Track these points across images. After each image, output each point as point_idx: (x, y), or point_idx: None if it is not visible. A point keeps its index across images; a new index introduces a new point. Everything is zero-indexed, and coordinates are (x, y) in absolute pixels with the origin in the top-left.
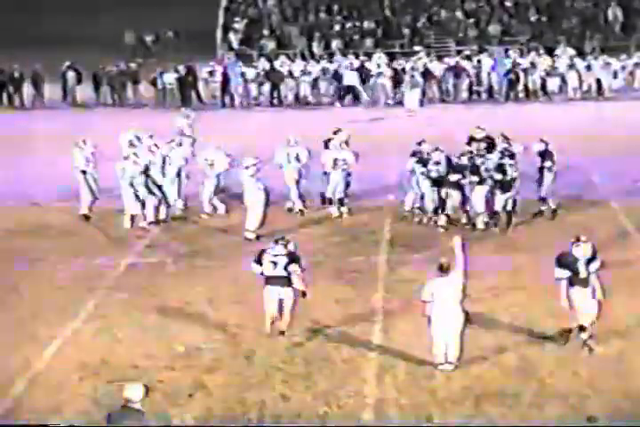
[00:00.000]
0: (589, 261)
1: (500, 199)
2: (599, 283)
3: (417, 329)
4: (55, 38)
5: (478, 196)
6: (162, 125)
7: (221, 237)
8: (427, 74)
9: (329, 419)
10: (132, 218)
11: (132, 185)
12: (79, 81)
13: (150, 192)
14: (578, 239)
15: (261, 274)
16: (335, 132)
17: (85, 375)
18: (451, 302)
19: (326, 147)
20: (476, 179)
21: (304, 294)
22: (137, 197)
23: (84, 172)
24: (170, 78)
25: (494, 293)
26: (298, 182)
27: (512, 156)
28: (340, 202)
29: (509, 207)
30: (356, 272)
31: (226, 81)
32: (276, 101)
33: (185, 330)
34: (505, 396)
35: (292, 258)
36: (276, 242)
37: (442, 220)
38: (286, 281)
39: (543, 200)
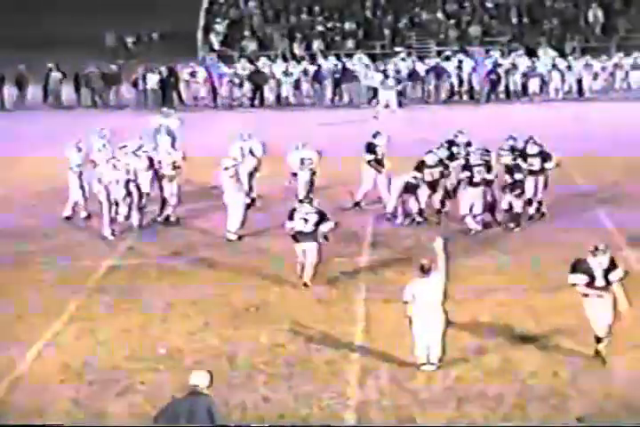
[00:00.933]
0: (609, 270)
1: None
2: (623, 293)
3: (399, 330)
4: (38, 39)
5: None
6: (143, 126)
7: (204, 238)
8: (411, 74)
9: (311, 421)
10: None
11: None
12: (62, 82)
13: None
14: (596, 248)
15: (293, 230)
16: (375, 135)
17: (68, 377)
18: (432, 303)
19: (369, 151)
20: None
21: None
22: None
23: (80, 173)
24: (152, 80)
25: (476, 294)
26: (252, 176)
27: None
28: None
29: (518, 209)
30: (338, 273)
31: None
32: (257, 102)
33: (168, 331)
34: (487, 397)
35: (322, 215)
36: (301, 202)
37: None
38: (313, 237)
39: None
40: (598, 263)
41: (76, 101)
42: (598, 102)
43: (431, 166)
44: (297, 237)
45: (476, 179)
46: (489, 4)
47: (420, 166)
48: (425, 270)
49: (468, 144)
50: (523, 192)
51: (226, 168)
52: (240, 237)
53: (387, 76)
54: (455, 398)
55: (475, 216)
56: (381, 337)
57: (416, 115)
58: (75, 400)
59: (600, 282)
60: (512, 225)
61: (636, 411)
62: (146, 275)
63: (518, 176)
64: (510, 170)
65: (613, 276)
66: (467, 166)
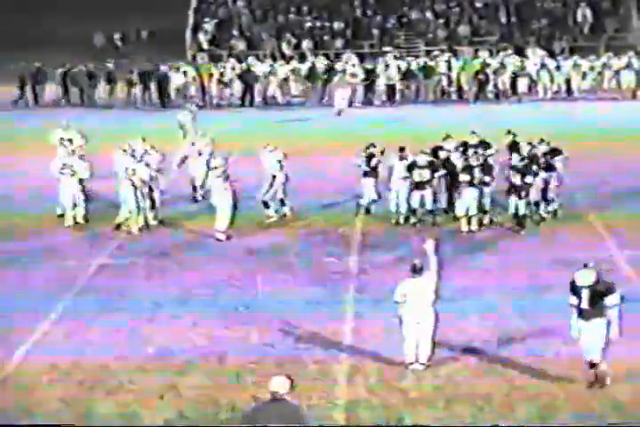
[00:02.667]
0: (602, 294)
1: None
2: (616, 320)
3: (388, 330)
4: (26, 39)
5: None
6: (133, 125)
7: (193, 238)
8: (405, 74)
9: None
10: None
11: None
12: (44, 81)
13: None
14: (585, 265)
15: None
16: (445, 138)
17: (56, 377)
18: (422, 303)
19: (435, 155)
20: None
21: None
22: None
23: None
24: (177, 78)
25: (465, 293)
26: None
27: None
28: (282, 202)
29: (522, 211)
30: (328, 273)
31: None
32: (247, 102)
33: (156, 331)
34: (476, 396)
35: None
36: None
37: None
38: None
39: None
40: (581, 281)
41: (63, 100)
42: (586, 102)
43: (421, 167)
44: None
45: (475, 180)
46: (478, 4)
47: (411, 166)
48: (416, 270)
49: (476, 146)
50: (527, 195)
51: (214, 168)
52: (229, 237)
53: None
54: (444, 397)
55: (470, 217)
56: (370, 337)
57: (407, 114)
58: (63, 400)
59: (585, 304)
60: (517, 228)
61: (623, 410)
62: (134, 275)
63: (529, 179)
64: (522, 173)
65: (608, 301)
66: (467, 167)
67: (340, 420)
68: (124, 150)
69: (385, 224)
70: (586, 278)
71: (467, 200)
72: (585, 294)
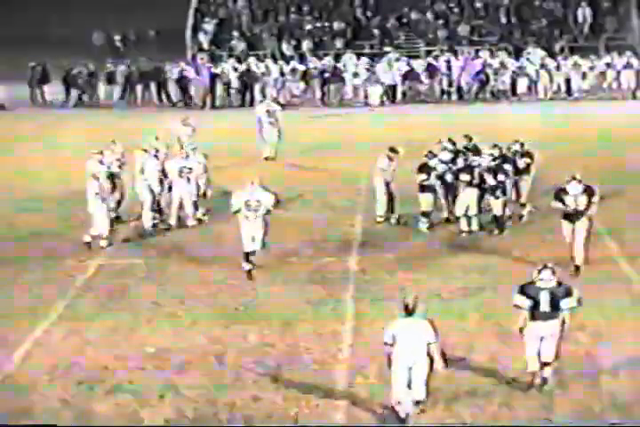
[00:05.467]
0: (562, 297)
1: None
2: (568, 324)
3: None
4: (25, 38)
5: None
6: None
7: (192, 238)
8: (407, 74)
9: (300, 420)
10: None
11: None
12: (46, 81)
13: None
14: (545, 266)
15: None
16: (469, 139)
17: (55, 377)
18: (415, 346)
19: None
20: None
21: None
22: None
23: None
24: (233, 75)
25: (464, 292)
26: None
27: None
28: (195, 207)
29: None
30: (328, 273)
31: (212, 82)
32: (247, 102)
33: (155, 331)
34: (476, 396)
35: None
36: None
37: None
38: None
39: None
40: (545, 286)
41: (64, 100)
42: (586, 102)
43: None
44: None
45: (476, 180)
46: (478, 4)
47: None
48: (408, 309)
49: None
50: (504, 194)
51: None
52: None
53: (374, 73)
54: (444, 398)
55: (469, 218)
56: (370, 337)
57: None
58: (62, 400)
59: (545, 307)
60: (493, 229)
61: (622, 410)
62: (133, 274)
63: (501, 177)
64: (494, 172)
65: (564, 304)
66: (467, 167)
67: (340, 420)
68: (145, 150)
69: (384, 224)
70: (546, 276)
71: (466, 201)
72: (544, 296)
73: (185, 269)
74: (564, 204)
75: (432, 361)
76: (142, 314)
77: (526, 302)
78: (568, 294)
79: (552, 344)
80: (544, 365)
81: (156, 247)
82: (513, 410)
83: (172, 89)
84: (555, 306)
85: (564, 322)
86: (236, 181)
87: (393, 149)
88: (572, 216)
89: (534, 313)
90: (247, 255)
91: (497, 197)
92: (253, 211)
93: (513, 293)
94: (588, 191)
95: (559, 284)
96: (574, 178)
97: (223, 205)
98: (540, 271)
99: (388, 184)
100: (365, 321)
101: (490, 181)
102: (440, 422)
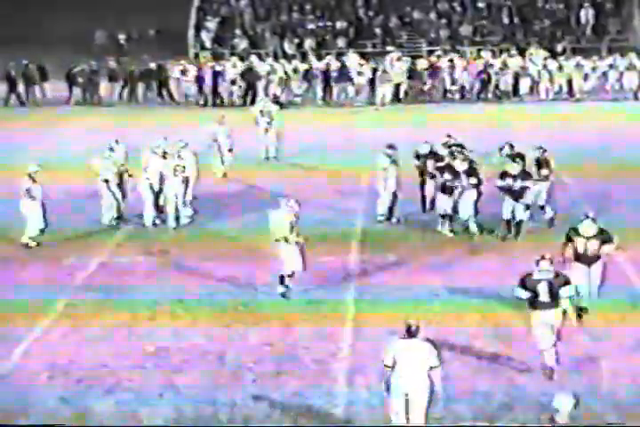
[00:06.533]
0: (558, 286)
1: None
2: (571, 310)
3: (388, 329)
4: (27, 36)
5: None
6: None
7: (192, 236)
8: (410, 73)
9: (300, 420)
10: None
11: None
12: (45, 79)
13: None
14: (542, 257)
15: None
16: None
17: (54, 375)
18: (415, 369)
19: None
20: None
21: None
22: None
23: (106, 181)
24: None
25: (465, 293)
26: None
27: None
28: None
29: (520, 217)
30: (328, 272)
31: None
32: (249, 100)
33: (155, 329)
34: (475, 395)
35: None
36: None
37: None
38: None
39: (541, 208)
40: (544, 277)
41: (67, 98)
42: (588, 103)
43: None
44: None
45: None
46: (480, 4)
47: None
48: (411, 332)
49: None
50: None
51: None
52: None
53: (384, 71)
54: (443, 397)
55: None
56: (370, 336)
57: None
58: (62, 398)
59: (544, 298)
60: (505, 234)
61: (623, 410)
62: (133, 273)
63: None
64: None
65: (563, 292)
66: (472, 169)
67: (339, 420)
68: (154, 151)
69: (384, 223)
70: (544, 267)
71: (470, 202)
72: (543, 287)
73: (185, 267)
74: (573, 246)
75: (432, 387)
76: (142, 313)
77: (526, 294)
78: (566, 283)
79: (553, 331)
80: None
81: (156, 246)
82: (512, 410)
83: (174, 87)
84: (554, 296)
85: (565, 311)
86: (235, 181)
87: (391, 146)
88: (583, 258)
89: (535, 303)
90: (283, 278)
91: (521, 203)
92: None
93: (514, 290)
94: (604, 237)
95: (557, 274)
96: (587, 216)
97: (222, 205)
98: (537, 262)
99: (390, 183)
100: (365, 321)
101: (515, 185)
102: (440, 421)
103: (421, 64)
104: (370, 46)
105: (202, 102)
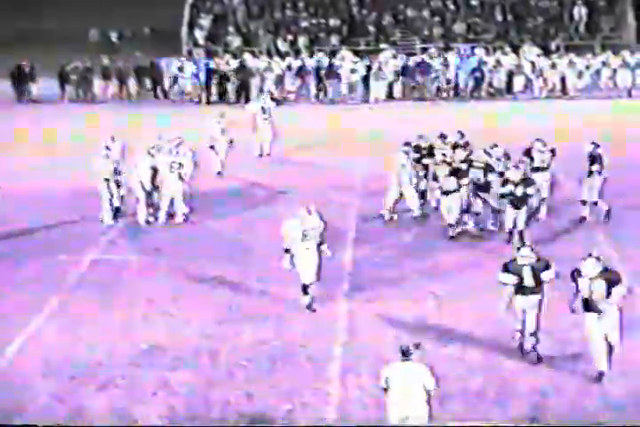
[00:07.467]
0: (539, 270)
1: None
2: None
3: (380, 329)
4: (21, 34)
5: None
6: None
7: (186, 234)
8: (403, 71)
9: (293, 418)
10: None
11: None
12: (33, 78)
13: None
14: (522, 245)
15: None
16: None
17: (49, 373)
18: (411, 392)
19: (528, 155)
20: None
21: None
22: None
23: (106, 179)
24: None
25: (460, 291)
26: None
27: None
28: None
29: (520, 226)
30: (321, 270)
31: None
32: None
33: (149, 328)
34: (469, 394)
35: None
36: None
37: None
38: None
39: (594, 204)
40: (526, 263)
41: (60, 96)
42: (582, 101)
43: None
44: None
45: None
46: (473, 2)
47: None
48: (405, 353)
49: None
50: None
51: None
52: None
53: (379, 69)
54: (437, 395)
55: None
56: (363, 335)
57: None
58: (55, 395)
59: (529, 282)
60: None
61: (615, 410)
62: (127, 271)
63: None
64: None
65: (545, 276)
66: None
67: (333, 418)
68: (149, 152)
69: (379, 221)
70: (525, 254)
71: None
72: (527, 271)
73: (179, 265)
74: (577, 289)
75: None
76: (136, 310)
77: (511, 278)
78: (547, 267)
79: (534, 316)
80: (530, 335)
81: (150, 244)
82: (505, 408)
83: (168, 84)
84: (537, 280)
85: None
86: (231, 179)
87: (408, 144)
88: (590, 306)
89: (518, 288)
90: (305, 287)
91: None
92: (311, 240)
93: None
94: (611, 276)
95: (538, 259)
96: (590, 255)
97: (216, 202)
98: (518, 249)
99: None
100: (358, 320)
101: (517, 192)
102: (433, 419)
103: (414, 62)
104: (363, 44)
105: (197, 99)
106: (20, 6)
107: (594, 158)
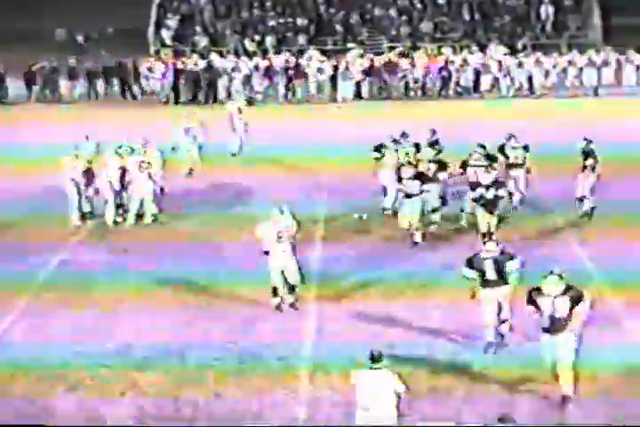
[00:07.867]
0: (503, 262)
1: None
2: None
3: (350, 327)
4: None
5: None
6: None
7: (154, 235)
8: (369, 70)
9: (262, 416)
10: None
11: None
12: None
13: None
14: (490, 239)
15: None
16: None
17: (17, 374)
18: (380, 398)
19: (501, 152)
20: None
21: None
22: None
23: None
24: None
25: (425, 289)
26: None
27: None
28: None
29: (492, 229)
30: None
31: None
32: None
33: (117, 328)
34: (437, 393)
35: None
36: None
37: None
38: None
39: (583, 198)
40: (489, 256)
41: (26, 97)
42: (548, 99)
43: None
44: None
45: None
46: (441, 1)
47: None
48: (374, 359)
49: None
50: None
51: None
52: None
53: (346, 68)
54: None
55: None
56: (333, 334)
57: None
58: (24, 397)
59: (491, 275)
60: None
61: (585, 408)
62: (96, 271)
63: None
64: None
65: (508, 266)
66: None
67: (302, 417)
68: (116, 152)
69: (350, 219)
70: (490, 248)
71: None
72: (489, 265)
73: (147, 266)
74: (538, 309)
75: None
76: (104, 310)
77: (473, 273)
78: (511, 259)
79: (506, 305)
80: (502, 322)
81: (118, 244)
82: (474, 407)
83: (136, 84)
84: (500, 273)
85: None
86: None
87: (395, 141)
88: (551, 327)
89: (483, 282)
90: (275, 290)
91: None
92: (285, 241)
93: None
94: (573, 294)
95: (502, 252)
96: (552, 272)
97: (185, 202)
98: (484, 243)
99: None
100: (327, 318)
101: (488, 195)
102: (402, 418)
103: (381, 61)
104: (330, 43)
105: (165, 100)
106: None
107: (587, 154)
